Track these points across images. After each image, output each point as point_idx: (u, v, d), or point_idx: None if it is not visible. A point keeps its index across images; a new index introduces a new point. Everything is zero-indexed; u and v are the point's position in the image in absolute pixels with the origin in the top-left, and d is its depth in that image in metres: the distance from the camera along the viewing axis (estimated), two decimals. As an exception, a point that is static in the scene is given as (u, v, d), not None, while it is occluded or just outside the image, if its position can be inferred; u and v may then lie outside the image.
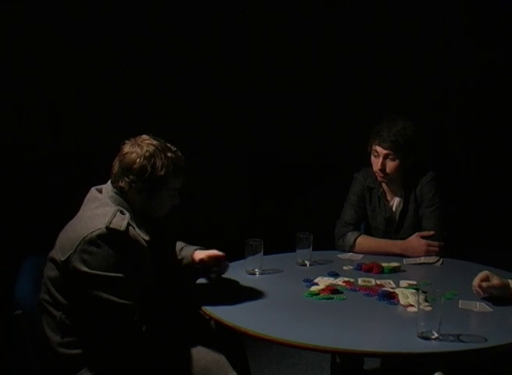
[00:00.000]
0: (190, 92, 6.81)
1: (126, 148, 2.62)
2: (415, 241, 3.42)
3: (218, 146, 6.91)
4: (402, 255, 3.39)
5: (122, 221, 2.51)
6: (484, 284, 2.62)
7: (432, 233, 3.45)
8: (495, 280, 2.62)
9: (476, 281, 2.65)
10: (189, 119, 6.71)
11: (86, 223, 2.50)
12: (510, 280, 2.64)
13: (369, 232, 3.64)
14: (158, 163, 2.57)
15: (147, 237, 2.59)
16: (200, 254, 2.90)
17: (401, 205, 3.57)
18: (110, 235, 2.45)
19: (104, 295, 2.42)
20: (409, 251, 3.40)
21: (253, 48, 6.98)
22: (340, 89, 7.02)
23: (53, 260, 2.51)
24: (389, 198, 3.61)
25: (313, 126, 7.04)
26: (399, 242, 3.46)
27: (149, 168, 2.56)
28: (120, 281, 2.45)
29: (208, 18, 6.85)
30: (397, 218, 3.58)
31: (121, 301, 2.43)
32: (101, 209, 2.54)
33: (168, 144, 2.67)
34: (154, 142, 2.63)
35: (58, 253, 2.49)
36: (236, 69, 6.96)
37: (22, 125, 6.20)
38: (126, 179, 2.58)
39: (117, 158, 2.63)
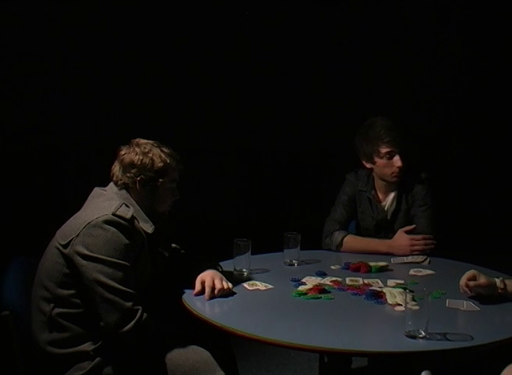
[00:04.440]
0: (177, 92, 6.81)
1: (124, 150, 2.75)
2: (400, 238, 3.45)
3: (204, 146, 6.90)
4: (389, 254, 3.40)
5: (127, 211, 2.60)
6: (471, 283, 2.63)
7: (413, 226, 3.49)
8: (482, 279, 2.63)
9: (463, 280, 2.66)
10: (173, 119, 6.70)
11: (92, 211, 2.59)
12: (496, 279, 2.65)
13: (359, 233, 3.65)
14: (157, 156, 2.71)
15: (150, 230, 2.67)
16: (208, 279, 2.79)
17: (394, 205, 3.59)
18: (116, 221, 2.53)
19: (104, 280, 2.44)
20: (395, 249, 3.42)
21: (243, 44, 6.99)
22: (330, 89, 7.03)
23: (51, 248, 2.56)
24: (381, 198, 3.62)
25: (303, 125, 7.04)
26: (385, 241, 3.48)
27: (149, 161, 2.69)
28: (122, 268, 2.48)
29: (197, 17, 6.85)
30: (389, 218, 3.60)
31: (122, 287, 2.44)
32: (106, 202, 2.63)
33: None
34: (149, 141, 2.77)
35: (58, 239, 2.55)
36: (228, 65, 6.96)
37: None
38: (128, 174, 2.69)
39: (116, 161, 2.75)
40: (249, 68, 6.94)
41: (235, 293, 2.80)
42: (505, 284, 2.63)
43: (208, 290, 2.72)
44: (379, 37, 7.00)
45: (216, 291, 2.72)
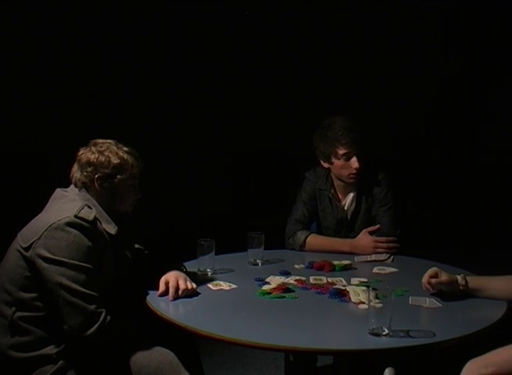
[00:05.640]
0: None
1: (81, 151, 2.74)
2: (363, 238, 3.46)
3: (168, 145, 6.87)
4: (352, 253, 3.41)
5: (89, 213, 2.58)
6: (433, 281, 2.66)
7: (377, 227, 3.50)
8: (443, 277, 2.66)
9: (425, 278, 2.68)
10: (145, 119, 6.66)
11: (54, 213, 2.57)
12: (457, 276, 2.68)
13: (320, 231, 3.66)
14: (113, 154, 2.71)
15: (113, 231, 2.64)
16: (172, 279, 2.77)
17: (353, 205, 3.60)
18: (78, 223, 2.51)
19: (67, 283, 2.42)
20: (358, 249, 3.43)
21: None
22: (293, 90, 7.06)
23: (12, 251, 2.53)
24: (341, 198, 3.63)
25: (265, 125, 7.05)
26: (348, 241, 3.49)
27: (105, 158, 2.68)
28: (85, 270, 2.47)
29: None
30: (349, 217, 3.62)
31: (85, 290, 2.43)
32: (68, 204, 2.61)
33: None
34: (107, 140, 2.77)
35: (20, 241, 2.53)
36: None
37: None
38: (85, 173, 2.68)
39: (75, 162, 2.74)
40: (213, 67, 6.95)
41: (199, 293, 2.79)
42: (466, 281, 2.66)
43: (171, 290, 2.70)
44: (346, 36, 7.05)
45: (180, 292, 2.71)
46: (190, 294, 2.75)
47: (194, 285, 2.79)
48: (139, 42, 6.66)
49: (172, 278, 2.75)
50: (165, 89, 6.77)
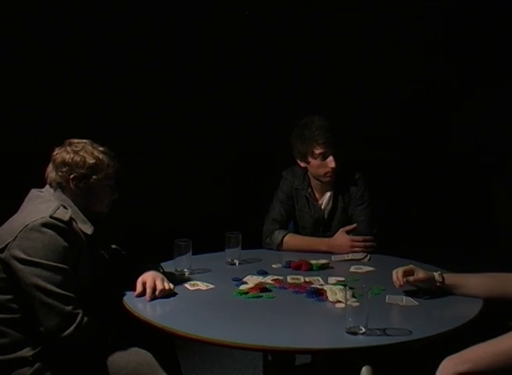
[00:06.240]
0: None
1: (56, 150, 2.73)
2: (340, 238, 3.47)
3: (144, 146, 6.85)
4: (329, 253, 3.42)
5: (65, 213, 2.56)
6: (410, 278, 2.67)
7: (354, 226, 3.51)
8: (420, 274, 2.67)
9: (399, 273, 2.68)
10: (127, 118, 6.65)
11: (29, 214, 2.55)
12: (434, 273, 2.69)
13: (297, 231, 3.67)
14: (88, 153, 2.69)
15: (89, 231, 2.63)
16: (149, 280, 2.76)
17: (330, 204, 3.61)
18: (53, 223, 2.49)
19: (43, 284, 2.40)
20: (335, 249, 3.44)
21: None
22: (268, 89, 7.07)
23: None
24: (318, 197, 3.64)
25: (242, 125, 7.05)
26: (325, 240, 3.50)
27: (80, 158, 2.67)
28: (61, 271, 2.45)
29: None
30: (326, 216, 3.62)
31: (61, 291, 2.42)
32: (44, 204, 2.59)
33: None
34: (83, 140, 2.75)
35: None
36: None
37: None
38: (60, 173, 2.66)
39: (50, 162, 2.72)
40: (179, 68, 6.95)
41: (176, 293, 2.78)
42: (443, 278, 2.67)
43: (149, 291, 2.69)
44: (321, 36, 7.08)
45: (157, 292, 2.70)
46: (168, 294, 2.74)
47: (171, 285, 2.78)
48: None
49: (149, 278, 2.74)
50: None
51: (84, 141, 2.76)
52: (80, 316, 2.44)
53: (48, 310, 2.41)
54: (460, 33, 7.30)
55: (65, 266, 2.47)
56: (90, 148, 2.72)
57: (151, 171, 6.70)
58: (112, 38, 6.44)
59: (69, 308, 2.43)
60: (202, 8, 6.87)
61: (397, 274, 2.69)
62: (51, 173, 2.70)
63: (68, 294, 2.44)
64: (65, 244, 2.50)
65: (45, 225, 2.48)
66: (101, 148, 2.75)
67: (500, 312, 2.71)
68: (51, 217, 2.50)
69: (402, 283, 2.67)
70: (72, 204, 2.65)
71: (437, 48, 7.40)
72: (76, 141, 2.75)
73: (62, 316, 2.42)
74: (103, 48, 6.48)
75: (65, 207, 2.60)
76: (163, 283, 2.74)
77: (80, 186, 2.67)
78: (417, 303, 2.64)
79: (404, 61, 7.27)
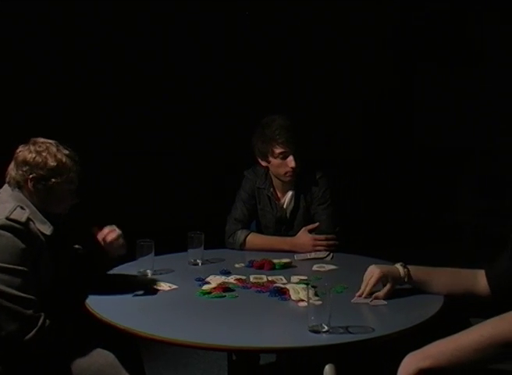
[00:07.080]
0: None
1: (20, 148, 2.67)
2: (303, 236, 3.48)
3: (111, 146, 6.81)
4: (292, 252, 3.43)
5: (22, 214, 2.51)
6: (381, 295, 2.64)
7: (317, 224, 3.52)
8: (389, 284, 2.63)
9: (369, 286, 2.64)
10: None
11: None
12: (400, 268, 2.65)
13: (260, 230, 3.68)
14: (51, 155, 2.64)
15: (48, 231, 2.59)
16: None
17: (292, 203, 3.62)
18: (10, 225, 2.45)
19: (2, 288, 2.38)
20: (298, 248, 3.45)
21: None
22: (231, 90, 7.09)
23: None
24: (279, 196, 3.65)
25: (206, 125, 7.06)
26: (288, 239, 3.51)
27: (42, 159, 2.61)
28: (20, 274, 2.42)
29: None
30: (288, 216, 3.63)
31: (21, 294, 2.38)
32: (0, 206, 2.53)
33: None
34: (48, 140, 2.70)
35: None
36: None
37: None
38: (20, 172, 2.61)
39: (13, 160, 2.67)
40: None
41: (138, 294, 2.78)
42: (408, 270, 2.65)
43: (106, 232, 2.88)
44: (283, 36, 7.12)
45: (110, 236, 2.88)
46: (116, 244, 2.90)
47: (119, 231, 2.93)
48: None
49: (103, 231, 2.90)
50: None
51: (50, 141, 2.70)
52: (42, 319, 2.42)
53: (8, 314, 2.38)
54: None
55: (24, 268, 2.43)
56: (54, 149, 2.66)
57: (116, 171, 6.68)
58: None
59: (30, 311, 2.40)
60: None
61: (366, 287, 2.65)
62: (12, 170, 2.65)
63: (28, 296, 2.41)
64: (23, 245, 2.46)
65: (2, 227, 2.44)
66: (65, 151, 2.70)
67: (461, 308, 2.74)
68: (7, 219, 2.46)
69: (366, 295, 2.65)
70: (30, 204, 2.61)
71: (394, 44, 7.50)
72: (41, 140, 2.69)
73: (23, 319, 2.39)
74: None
75: (22, 208, 2.55)
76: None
77: (37, 187, 2.63)
78: (385, 303, 2.61)
79: (365, 59, 7.33)
